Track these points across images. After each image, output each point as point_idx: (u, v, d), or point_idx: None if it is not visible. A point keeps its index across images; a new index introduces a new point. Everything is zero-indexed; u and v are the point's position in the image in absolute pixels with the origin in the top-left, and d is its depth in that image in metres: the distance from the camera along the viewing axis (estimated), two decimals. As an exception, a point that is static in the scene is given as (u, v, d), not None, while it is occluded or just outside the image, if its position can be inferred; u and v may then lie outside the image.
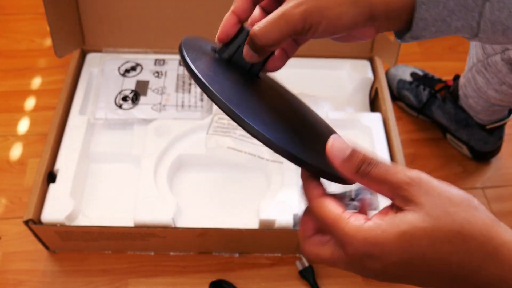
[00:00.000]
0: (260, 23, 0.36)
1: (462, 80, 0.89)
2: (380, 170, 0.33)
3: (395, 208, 0.33)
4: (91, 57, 0.93)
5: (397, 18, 0.39)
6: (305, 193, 0.36)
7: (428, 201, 0.31)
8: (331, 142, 0.34)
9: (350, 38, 0.44)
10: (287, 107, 0.43)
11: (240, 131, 0.80)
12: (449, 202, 0.31)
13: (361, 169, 0.33)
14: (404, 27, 0.41)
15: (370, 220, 0.32)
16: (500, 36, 0.41)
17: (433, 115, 0.97)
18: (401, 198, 0.32)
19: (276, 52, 0.42)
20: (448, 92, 0.94)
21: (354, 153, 0.34)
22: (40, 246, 0.77)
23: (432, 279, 0.32)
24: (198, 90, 0.88)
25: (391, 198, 0.33)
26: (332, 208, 0.34)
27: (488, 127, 0.90)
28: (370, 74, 0.92)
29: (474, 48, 0.83)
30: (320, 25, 0.36)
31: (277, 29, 0.36)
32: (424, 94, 0.97)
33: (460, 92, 0.90)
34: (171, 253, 0.79)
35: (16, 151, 0.91)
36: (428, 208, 0.31)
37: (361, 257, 0.32)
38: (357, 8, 0.36)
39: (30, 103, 0.99)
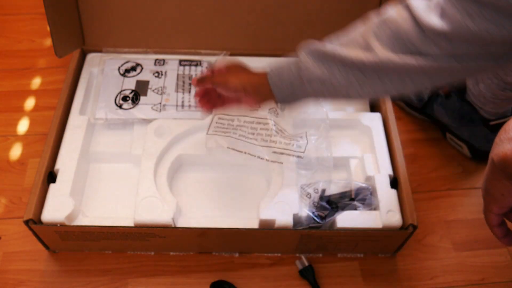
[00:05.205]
0: None
1: None
2: None
3: None
4: (91, 57, 0.93)
5: (261, 90, 0.63)
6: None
7: None
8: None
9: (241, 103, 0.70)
10: None
11: (240, 131, 0.80)
12: None
13: None
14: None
15: None
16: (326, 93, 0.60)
17: (434, 113, 0.96)
18: None
19: None
20: (453, 86, 0.93)
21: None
22: (40, 246, 0.77)
23: None
24: (198, 90, 0.88)
25: None
26: None
27: (492, 123, 0.90)
28: (370, 74, 0.92)
29: None
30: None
31: None
32: (425, 92, 0.97)
33: (469, 82, 0.89)
34: (171, 253, 0.79)
35: (16, 151, 0.92)
36: None
37: None
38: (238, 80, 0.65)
39: (30, 103, 0.99)
